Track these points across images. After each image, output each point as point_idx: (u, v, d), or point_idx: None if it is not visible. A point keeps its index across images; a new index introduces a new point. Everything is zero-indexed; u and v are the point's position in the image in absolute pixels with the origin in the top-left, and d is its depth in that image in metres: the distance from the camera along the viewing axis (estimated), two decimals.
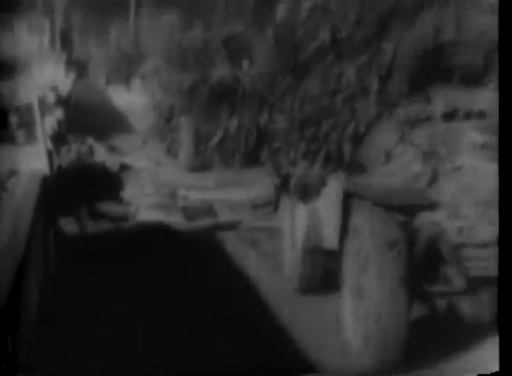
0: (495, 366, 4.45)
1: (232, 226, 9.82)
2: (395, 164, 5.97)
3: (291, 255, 7.74)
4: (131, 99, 15.77)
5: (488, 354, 4.78)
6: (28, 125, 8.24)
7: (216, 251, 8.98)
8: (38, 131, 8.31)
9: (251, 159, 7.60)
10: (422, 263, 5.46)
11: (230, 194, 11.02)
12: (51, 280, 7.01)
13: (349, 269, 6.13)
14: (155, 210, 10.09)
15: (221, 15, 15.40)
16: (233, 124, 7.98)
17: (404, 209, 5.59)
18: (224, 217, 10.22)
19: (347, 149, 6.43)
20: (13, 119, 8.21)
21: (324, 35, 6.98)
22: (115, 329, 6.49)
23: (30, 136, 8.16)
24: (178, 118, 13.75)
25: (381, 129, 6.20)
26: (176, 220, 9.79)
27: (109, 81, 17.05)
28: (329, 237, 6.58)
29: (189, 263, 8.38)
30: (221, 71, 9.79)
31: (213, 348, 6.17)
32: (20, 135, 8.16)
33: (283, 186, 7.33)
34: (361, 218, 5.77)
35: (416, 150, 5.83)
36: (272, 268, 8.42)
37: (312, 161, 6.69)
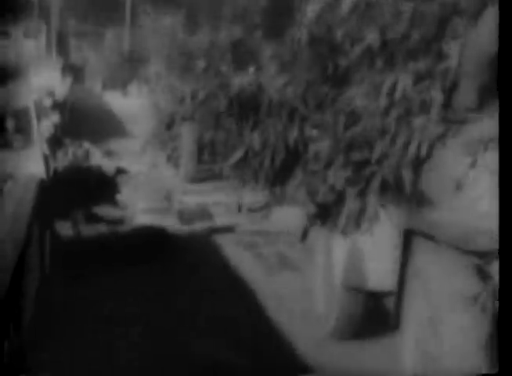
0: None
1: (227, 230, 9.86)
2: (468, 195, 4.82)
3: (326, 294, 6.82)
4: (127, 104, 15.82)
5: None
6: (24, 130, 8.25)
7: (212, 254, 9.01)
8: (35, 135, 8.33)
9: (277, 181, 6.72)
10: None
11: (226, 198, 11.08)
12: (47, 283, 7.03)
13: (410, 324, 5.25)
14: (151, 213, 10.13)
15: (227, 17, 14.77)
16: (256, 139, 6.88)
17: (482, 253, 4.62)
18: (220, 220, 10.26)
19: (407, 176, 5.19)
20: (9, 123, 8.22)
21: (371, 36, 5.78)
22: (110, 331, 6.52)
23: (27, 140, 8.17)
24: (178, 126, 13.27)
25: (447, 152, 4.97)
26: (172, 224, 9.82)
27: (105, 86, 17.08)
28: (378, 278, 5.66)
29: (185, 266, 8.41)
30: (242, 78, 8.63)
31: (209, 350, 6.20)
32: (17, 139, 8.17)
33: (319, 215, 6.16)
34: (427, 263, 4.89)
35: (493, 177, 4.62)
36: (268, 271, 8.45)
37: (363, 190, 5.50)
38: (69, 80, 16.10)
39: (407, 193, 5.19)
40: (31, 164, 7.70)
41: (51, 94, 13.14)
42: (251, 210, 10.59)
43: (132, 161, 12.57)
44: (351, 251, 6.00)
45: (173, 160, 13.38)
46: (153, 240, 8.78)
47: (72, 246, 8.67)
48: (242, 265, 8.51)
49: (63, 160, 11.38)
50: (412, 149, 5.13)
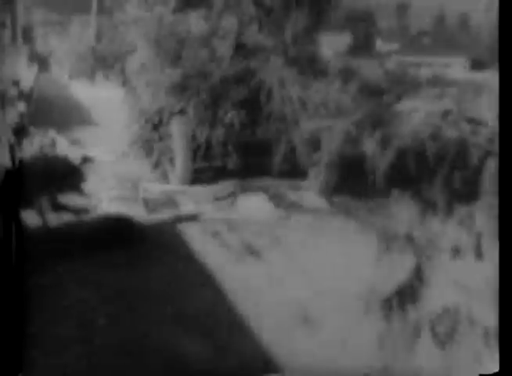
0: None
1: (193, 218, 9.91)
2: None
3: None
4: (95, 93, 15.71)
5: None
6: None
7: (177, 242, 9.04)
8: (0, 124, 8.31)
9: None
10: None
11: (191, 186, 11.10)
12: (12, 273, 7.05)
13: None
14: (117, 202, 10.13)
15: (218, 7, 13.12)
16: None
17: None
18: (185, 209, 10.30)
19: None
20: None
21: None
22: (75, 322, 6.56)
23: None
24: (167, 125, 11.68)
25: None
26: (138, 212, 9.85)
27: (72, 75, 16.95)
28: None
29: (150, 255, 8.45)
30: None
31: (175, 341, 6.25)
32: None
33: None
34: None
35: None
36: (234, 259, 8.52)
37: None
38: (35, 69, 16.02)
39: None
40: None
41: (16, 83, 13.06)
42: (217, 198, 10.64)
43: (99, 150, 12.50)
44: None
45: (161, 167, 11.79)
46: (119, 228, 8.82)
47: (38, 235, 8.67)
48: (207, 254, 8.56)
49: (28, 149, 11.34)
50: None
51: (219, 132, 10.80)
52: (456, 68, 13.58)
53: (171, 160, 11.46)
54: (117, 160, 12.25)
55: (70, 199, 9.99)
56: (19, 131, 10.97)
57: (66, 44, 16.80)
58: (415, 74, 10.39)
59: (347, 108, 9.38)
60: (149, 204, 10.28)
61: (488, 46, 12.50)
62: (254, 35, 11.45)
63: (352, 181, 8.17)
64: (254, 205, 10.30)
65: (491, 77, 10.85)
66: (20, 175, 8.44)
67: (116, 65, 14.94)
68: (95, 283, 7.47)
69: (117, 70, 14.89)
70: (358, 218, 8.85)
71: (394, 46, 14.66)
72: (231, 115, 10.68)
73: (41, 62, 16.52)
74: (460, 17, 14.67)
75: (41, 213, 9.35)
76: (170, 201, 10.48)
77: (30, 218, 9.09)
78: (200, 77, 10.94)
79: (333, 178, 8.66)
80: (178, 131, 11.28)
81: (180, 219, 9.80)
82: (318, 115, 10.05)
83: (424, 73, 12.32)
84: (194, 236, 9.18)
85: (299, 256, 8.57)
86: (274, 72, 9.43)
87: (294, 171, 10.61)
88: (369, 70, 11.04)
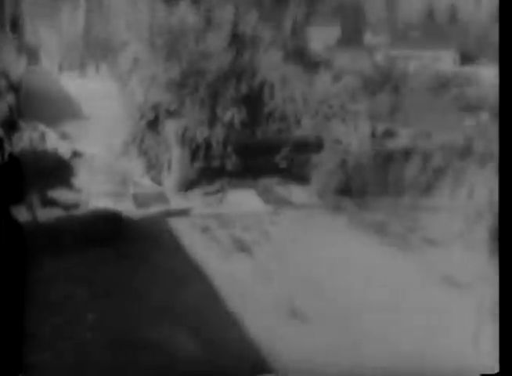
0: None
1: (182, 213, 9.92)
2: None
3: None
4: (85, 86, 15.65)
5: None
6: None
7: (167, 237, 9.06)
8: None
9: None
10: None
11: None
12: (1, 268, 7.07)
13: None
14: (106, 197, 10.12)
15: None
16: None
17: None
18: (175, 204, 10.31)
19: None
20: None
21: None
22: (64, 316, 6.59)
23: None
24: (163, 124, 11.15)
25: None
26: (127, 207, 9.85)
27: (62, 67, 16.87)
28: None
29: (140, 250, 8.47)
30: None
31: (164, 335, 6.29)
32: None
33: None
34: None
35: None
36: (224, 254, 8.55)
37: None
38: (24, 61, 15.94)
39: None
40: None
41: (5, 75, 13.00)
42: (206, 193, 10.65)
43: (88, 144, 12.45)
44: None
45: (156, 170, 11.20)
46: (108, 224, 8.83)
47: (27, 230, 8.67)
48: (196, 249, 8.59)
49: (18, 143, 11.30)
50: None
51: (219, 132, 10.68)
52: (446, 61, 13.62)
53: (168, 164, 11.03)
54: (108, 154, 12.22)
55: (59, 194, 9.98)
56: (9, 125, 10.94)
57: (55, 34, 16.72)
58: None
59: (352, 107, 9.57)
60: (139, 199, 10.27)
61: (477, 39, 12.59)
62: (250, 25, 11.27)
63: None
64: (243, 201, 10.33)
65: (480, 70, 10.85)
66: (10, 170, 8.43)
67: (108, 56, 14.80)
68: (84, 279, 7.50)
69: (109, 62, 14.74)
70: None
71: (384, 39, 14.70)
72: (230, 113, 10.59)
73: (31, 54, 16.44)
74: (449, 10, 14.71)
75: (30, 208, 9.35)
76: (160, 196, 10.48)
77: (20, 213, 9.08)
78: (197, 72, 10.66)
79: (335, 182, 8.88)
80: (174, 136, 10.83)
81: (169, 214, 9.82)
82: (320, 114, 10.16)
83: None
84: (184, 231, 9.21)
85: (288, 251, 8.63)
86: (274, 67, 9.39)
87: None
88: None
